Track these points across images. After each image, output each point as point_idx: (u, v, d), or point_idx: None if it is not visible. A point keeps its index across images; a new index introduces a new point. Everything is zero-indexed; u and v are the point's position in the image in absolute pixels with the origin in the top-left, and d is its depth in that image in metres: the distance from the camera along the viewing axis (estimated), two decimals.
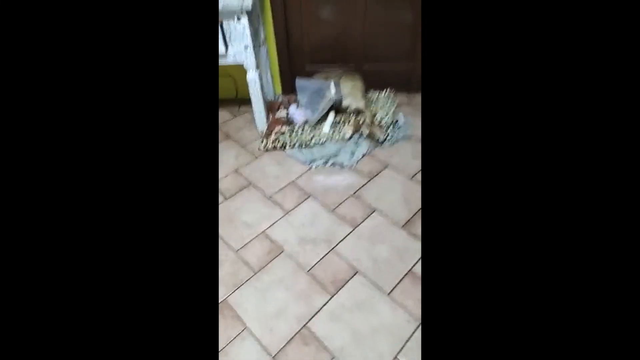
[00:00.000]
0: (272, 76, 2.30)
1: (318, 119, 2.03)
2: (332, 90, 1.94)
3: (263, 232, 1.57)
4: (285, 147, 1.98)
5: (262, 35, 2.05)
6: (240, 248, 1.52)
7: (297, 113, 2.05)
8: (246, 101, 2.30)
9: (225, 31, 1.70)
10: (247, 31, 1.68)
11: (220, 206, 1.70)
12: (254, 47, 1.77)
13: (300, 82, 2.05)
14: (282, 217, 1.63)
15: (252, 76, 1.85)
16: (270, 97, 2.31)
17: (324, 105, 1.99)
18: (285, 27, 2.16)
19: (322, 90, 1.95)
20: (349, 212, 1.63)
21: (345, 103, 2.05)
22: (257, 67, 1.83)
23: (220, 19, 1.66)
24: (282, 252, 1.49)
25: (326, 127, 2.04)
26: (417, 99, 2.34)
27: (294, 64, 2.33)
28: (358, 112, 2.13)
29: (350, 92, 2.04)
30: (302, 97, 2.05)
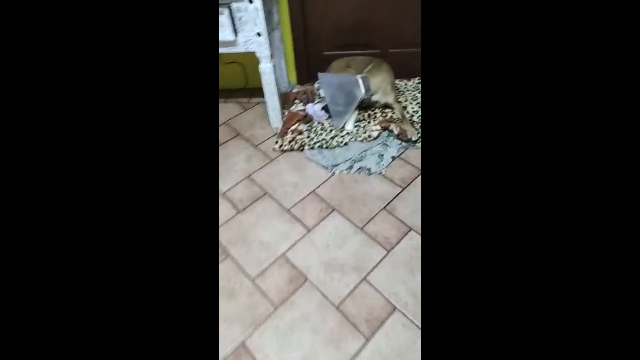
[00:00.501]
0: (286, 63, 2.02)
1: (344, 122, 1.78)
2: (362, 88, 1.67)
3: (283, 255, 1.37)
4: (303, 148, 1.74)
5: (275, 18, 1.76)
6: (258, 275, 1.31)
7: (318, 112, 1.80)
8: (257, 91, 2.03)
9: (234, 14, 1.43)
10: (261, 14, 1.40)
11: (232, 220, 1.49)
12: (268, 32, 1.50)
13: (323, 77, 1.78)
14: (304, 235, 1.42)
15: (265, 68, 1.59)
16: (284, 87, 2.05)
17: (354, 107, 1.73)
18: (301, 8, 1.87)
19: (349, 88, 1.68)
20: (381, 231, 1.41)
21: (373, 98, 1.79)
22: (272, 56, 1.57)
23: (228, 0, 1.39)
24: (306, 280, 1.29)
25: (349, 124, 1.79)
26: None
27: (311, 50, 2.05)
28: (386, 106, 1.87)
29: (380, 85, 1.77)
30: (326, 94, 1.78)
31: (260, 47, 1.50)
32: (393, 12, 1.89)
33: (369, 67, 1.81)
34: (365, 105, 1.85)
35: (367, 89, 1.71)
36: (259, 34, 1.46)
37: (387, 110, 1.87)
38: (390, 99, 1.82)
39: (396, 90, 1.94)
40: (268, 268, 1.33)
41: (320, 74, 1.80)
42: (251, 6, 1.38)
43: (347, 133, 1.77)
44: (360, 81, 1.70)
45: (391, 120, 1.79)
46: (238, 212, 1.52)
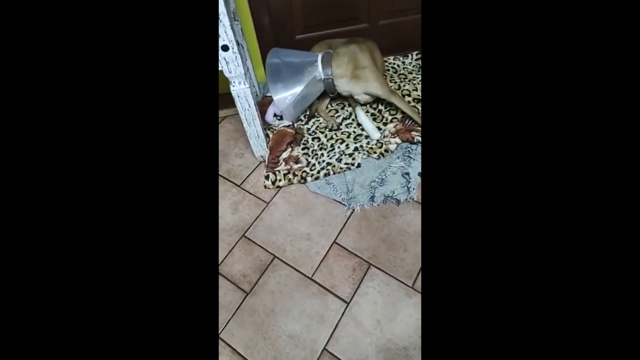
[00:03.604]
0: (251, 61, 1.51)
1: (298, 114, 1.40)
2: (319, 66, 1.27)
3: (324, 350, 1.04)
4: (305, 180, 1.34)
5: (232, 6, 1.23)
6: None
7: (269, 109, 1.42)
8: (224, 99, 1.54)
9: None
10: (226, 21, 0.90)
11: (241, 309, 1.11)
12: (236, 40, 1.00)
13: (273, 57, 1.31)
14: (343, 313, 1.09)
15: (239, 91, 1.10)
16: (255, 92, 1.56)
17: (300, 93, 1.32)
18: None
19: (306, 68, 1.27)
20: None
21: (342, 87, 1.37)
22: (246, 72, 1.08)
23: None
24: None
25: (374, 131, 1.39)
26: None
27: (280, 36, 1.54)
28: (385, 101, 1.47)
29: (346, 67, 1.34)
30: (272, 81, 1.33)
31: (229, 64, 1.01)
32: None
33: (340, 46, 1.37)
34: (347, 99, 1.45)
35: (326, 69, 1.30)
36: (225, 48, 0.96)
37: (394, 110, 1.47)
38: (380, 90, 1.38)
39: (389, 74, 1.54)
40: None
41: (273, 50, 1.32)
42: None
43: (377, 144, 1.36)
44: (319, 58, 1.28)
45: (410, 127, 1.40)
46: (246, 295, 1.14)
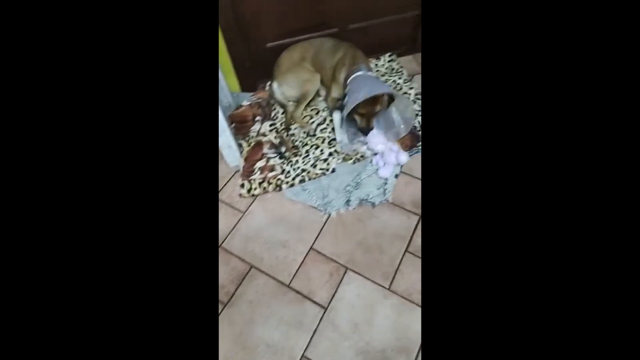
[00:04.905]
0: (222, 70, 1.51)
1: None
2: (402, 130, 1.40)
3: (303, 356, 1.03)
4: (281, 188, 1.34)
5: None
6: None
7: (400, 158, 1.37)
8: None
9: None
10: None
11: (220, 320, 1.11)
12: None
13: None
14: (322, 318, 1.09)
15: None
16: (227, 102, 1.55)
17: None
18: None
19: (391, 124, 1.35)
20: (413, 284, 1.12)
21: None
22: None
23: None
24: None
25: (340, 133, 1.40)
26: None
27: (251, 45, 1.54)
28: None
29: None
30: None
31: None
32: None
33: (338, 56, 1.38)
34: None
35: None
36: None
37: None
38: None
39: None
40: None
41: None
42: None
43: (344, 146, 1.37)
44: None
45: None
46: (224, 306, 1.13)
